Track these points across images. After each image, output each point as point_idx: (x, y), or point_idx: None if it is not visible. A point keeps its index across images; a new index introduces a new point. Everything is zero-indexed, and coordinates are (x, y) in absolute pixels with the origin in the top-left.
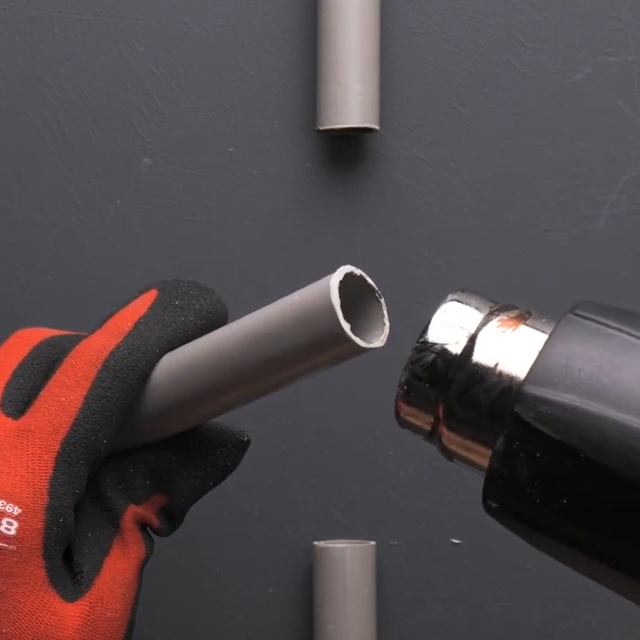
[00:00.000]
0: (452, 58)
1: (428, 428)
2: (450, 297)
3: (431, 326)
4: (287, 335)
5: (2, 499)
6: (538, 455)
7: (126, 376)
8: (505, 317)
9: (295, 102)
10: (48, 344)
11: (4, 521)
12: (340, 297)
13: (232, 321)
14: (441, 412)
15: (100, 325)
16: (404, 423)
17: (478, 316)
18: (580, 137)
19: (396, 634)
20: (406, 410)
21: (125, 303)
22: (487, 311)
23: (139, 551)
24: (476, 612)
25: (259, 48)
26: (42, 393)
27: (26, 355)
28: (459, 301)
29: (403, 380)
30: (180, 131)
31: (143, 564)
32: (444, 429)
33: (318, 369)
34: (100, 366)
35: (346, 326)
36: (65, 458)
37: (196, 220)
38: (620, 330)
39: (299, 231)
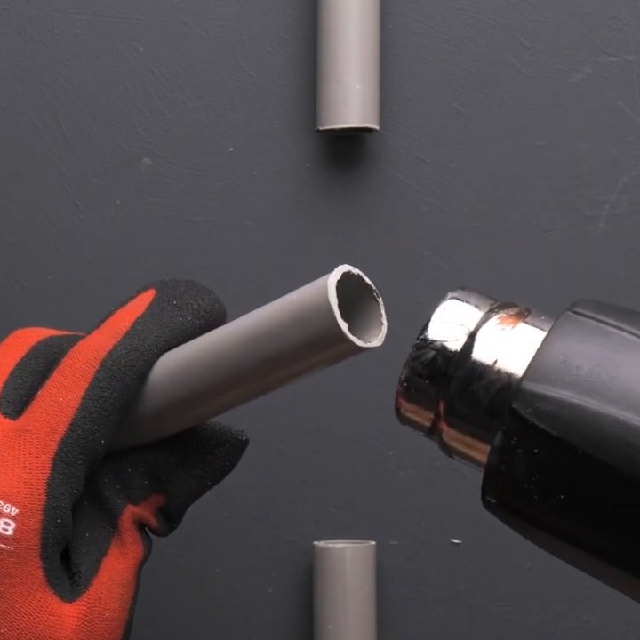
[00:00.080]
0: (452, 58)
1: (428, 424)
2: (450, 295)
3: (431, 324)
4: (285, 334)
5: None
6: (536, 451)
7: (124, 376)
8: (504, 315)
9: (295, 102)
10: (46, 344)
11: (2, 521)
12: (338, 296)
13: (230, 320)
14: (441, 409)
15: (97, 326)
16: (404, 420)
17: (478, 314)
18: (579, 137)
19: (396, 634)
20: (407, 406)
21: (123, 303)
22: (487, 309)
23: (137, 551)
24: (476, 612)
25: (259, 48)
26: (39, 393)
27: (24, 355)
28: (459, 299)
29: (403, 376)
30: (180, 131)
31: (141, 565)
32: (444, 426)
33: (316, 368)
34: (97, 366)
35: (343, 325)
36: (62, 458)
37: (196, 220)
38: (619, 328)
39: (299, 231)
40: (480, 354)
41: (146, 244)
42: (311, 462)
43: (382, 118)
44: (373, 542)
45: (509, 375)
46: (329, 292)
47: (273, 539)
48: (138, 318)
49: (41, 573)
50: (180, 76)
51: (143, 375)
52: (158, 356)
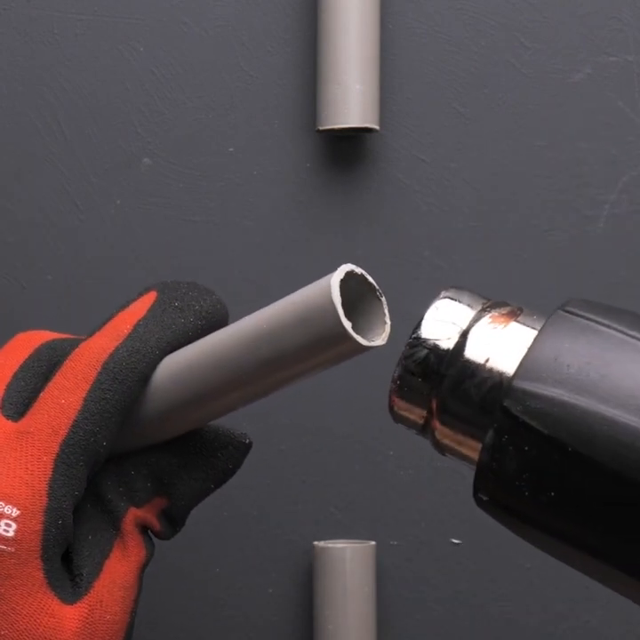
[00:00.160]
0: (452, 58)
1: (421, 422)
2: (442, 294)
3: (424, 322)
4: (288, 335)
5: (0, 500)
6: (526, 449)
7: (125, 378)
8: (496, 314)
9: (295, 102)
10: (49, 347)
11: (3, 522)
12: (341, 295)
13: (233, 321)
14: (434, 407)
15: (99, 328)
16: (397, 417)
17: (470, 313)
18: (580, 137)
19: (396, 634)
20: (400, 404)
21: (125, 305)
22: (479, 308)
23: (139, 554)
24: (476, 612)
25: (259, 48)
26: (41, 395)
27: (27, 357)
28: (451, 298)
29: (396, 375)
30: (180, 131)
31: (143, 568)
32: (436, 424)
33: (320, 368)
34: (99, 368)
35: (347, 325)
36: (64, 460)
37: (196, 220)
38: (609, 326)
39: (299, 231)
40: (472, 352)
41: (146, 244)
42: (311, 462)
43: (382, 118)
44: (373, 542)
45: (501, 373)
46: (332, 291)
47: (273, 539)
48: (139, 320)
49: (42, 575)
50: (180, 75)
51: (145, 377)
52: (160, 357)
